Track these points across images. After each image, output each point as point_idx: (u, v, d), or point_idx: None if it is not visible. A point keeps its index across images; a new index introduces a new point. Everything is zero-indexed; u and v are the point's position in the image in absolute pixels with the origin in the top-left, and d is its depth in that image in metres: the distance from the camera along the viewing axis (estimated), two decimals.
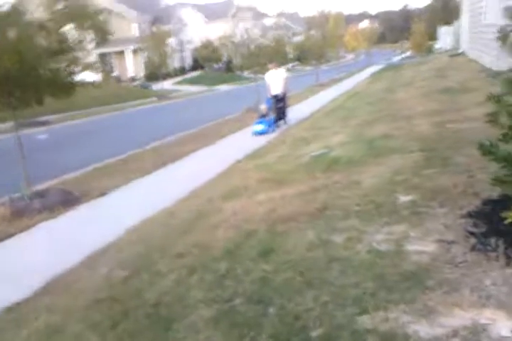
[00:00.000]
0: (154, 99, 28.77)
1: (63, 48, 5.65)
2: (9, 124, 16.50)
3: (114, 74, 44.87)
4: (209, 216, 4.51)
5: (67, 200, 6.40)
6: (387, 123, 7.42)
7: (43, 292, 3.46)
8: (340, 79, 30.46)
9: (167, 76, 43.64)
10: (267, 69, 14.53)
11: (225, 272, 3.02)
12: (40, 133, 15.47)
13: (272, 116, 10.58)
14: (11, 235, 5.16)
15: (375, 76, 28.05)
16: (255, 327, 2.21)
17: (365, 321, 2.05)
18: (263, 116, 10.52)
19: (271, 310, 2.38)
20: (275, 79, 10.81)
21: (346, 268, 2.65)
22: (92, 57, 6.14)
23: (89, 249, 4.27)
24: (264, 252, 3.19)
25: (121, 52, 45.40)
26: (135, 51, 44.63)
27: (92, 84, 6.01)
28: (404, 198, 3.67)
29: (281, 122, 11.01)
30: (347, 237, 3.12)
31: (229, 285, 2.80)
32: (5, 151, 6.16)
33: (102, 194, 6.66)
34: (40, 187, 7.26)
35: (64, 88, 5.87)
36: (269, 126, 10.23)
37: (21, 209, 5.96)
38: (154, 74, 39.81)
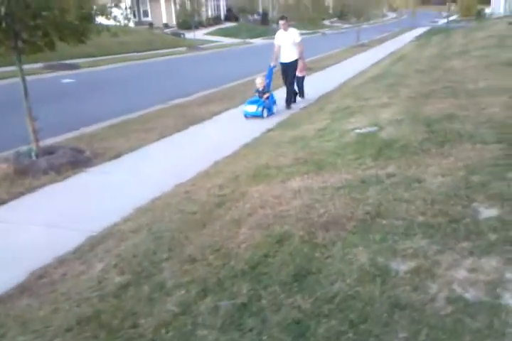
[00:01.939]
0: (184, 49, 27.54)
1: None
2: (39, 65, 15.94)
3: (148, 19, 43.26)
4: (232, 203, 3.75)
5: (76, 161, 5.74)
6: (446, 99, 6.37)
7: (21, 290, 2.81)
8: (382, 40, 28.48)
9: (200, 25, 41.84)
10: (306, 23, 13.12)
11: (247, 300, 2.28)
12: (66, 77, 14.84)
13: (271, 93, 7.97)
14: (8, 199, 4.55)
15: (421, 39, 26.04)
16: None
17: None
18: (259, 92, 7.80)
19: None
20: (285, 43, 8.10)
21: (421, 327, 1.87)
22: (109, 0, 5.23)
23: (89, 230, 3.63)
24: (299, 275, 2.42)
25: None
26: None
27: (108, 30, 5.14)
28: (487, 212, 2.81)
29: (298, 98, 8.96)
30: (414, 268, 2.32)
31: (251, 326, 2.06)
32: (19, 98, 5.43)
33: (115, 156, 5.97)
34: (51, 141, 6.63)
35: (75, 33, 5.05)
36: (265, 107, 7.64)
37: (26, 167, 5.35)
38: (187, 22, 38.13)
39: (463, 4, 36.27)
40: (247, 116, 7.61)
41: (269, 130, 6.81)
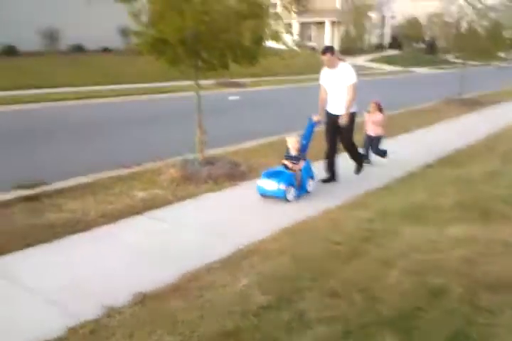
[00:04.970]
0: None
1: (254, 12, 5.16)
2: (211, 82, 17.64)
3: (312, 44, 44.93)
4: (381, 240, 3.56)
5: (232, 173, 6.10)
6: None
7: (173, 290, 3.03)
8: None
9: (362, 51, 41.88)
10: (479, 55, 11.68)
11: None
12: (232, 95, 16.06)
13: (307, 161, 5.32)
14: (172, 201, 5.00)
15: None
16: None
17: None
18: (289, 158, 5.25)
19: None
20: (334, 85, 5.50)
21: None
22: (281, 26, 5.53)
23: (237, 242, 3.76)
24: (457, 339, 2.15)
25: (322, 23, 44.95)
26: (334, 23, 43.70)
27: (277, 54, 5.44)
28: None
29: (366, 161, 6.35)
30: None
31: None
32: (191, 110, 6.06)
33: None
34: (212, 152, 7.18)
35: (248, 55, 5.44)
36: (291, 184, 4.97)
37: (190, 174, 5.85)
38: (349, 48, 38.60)
39: None
40: (264, 195, 5.07)
41: (429, 166, 6.36)
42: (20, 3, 19.63)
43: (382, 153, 6.57)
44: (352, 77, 5.41)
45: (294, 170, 5.12)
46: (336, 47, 45.17)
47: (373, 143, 6.49)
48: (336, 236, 3.76)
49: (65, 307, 2.81)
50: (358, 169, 6.01)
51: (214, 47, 5.53)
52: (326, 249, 3.51)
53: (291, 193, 4.97)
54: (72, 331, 2.52)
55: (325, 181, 5.68)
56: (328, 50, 5.43)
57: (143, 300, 2.89)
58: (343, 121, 5.39)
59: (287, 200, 4.92)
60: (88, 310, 2.74)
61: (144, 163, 6.38)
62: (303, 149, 5.34)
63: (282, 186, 4.87)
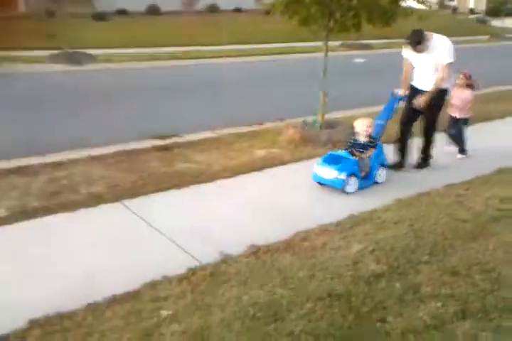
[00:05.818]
0: (486, 37, 24.76)
1: None
2: (337, 43, 17.07)
3: (452, 4, 40.56)
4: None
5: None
6: None
7: (285, 247, 3.11)
8: None
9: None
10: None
11: None
12: (358, 57, 15.41)
13: (379, 146, 4.42)
14: (288, 161, 5.07)
15: None
16: None
17: None
18: (354, 145, 4.41)
19: None
20: (423, 62, 4.49)
21: None
22: None
23: (350, 209, 3.71)
24: None
25: None
26: None
27: (415, 13, 5.02)
28: None
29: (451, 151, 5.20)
30: None
31: None
32: (315, 72, 5.93)
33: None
34: (333, 115, 7.03)
35: (383, 16, 5.11)
36: (355, 173, 4.12)
37: (309, 136, 5.84)
38: (497, 8, 34.09)
39: None
40: (320, 183, 4.25)
41: None
42: None
43: (461, 141, 5.19)
44: (449, 55, 4.34)
45: (360, 157, 4.27)
46: (482, 7, 40.23)
47: (456, 125, 5.16)
48: (462, 213, 3.51)
49: (186, 250, 3.05)
50: (422, 163, 4.85)
51: (348, 7, 5.28)
52: (449, 225, 3.30)
53: (352, 184, 4.14)
54: (192, 271, 2.74)
55: (392, 167, 4.67)
56: (420, 39, 4.28)
57: (257, 252, 3.02)
58: (420, 102, 4.42)
59: (347, 192, 4.10)
60: (207, 255, 2.94)
61: (265, 122, 6.51)
62: (377, 132, 4.46)
63: (343, 175, 4.04)
